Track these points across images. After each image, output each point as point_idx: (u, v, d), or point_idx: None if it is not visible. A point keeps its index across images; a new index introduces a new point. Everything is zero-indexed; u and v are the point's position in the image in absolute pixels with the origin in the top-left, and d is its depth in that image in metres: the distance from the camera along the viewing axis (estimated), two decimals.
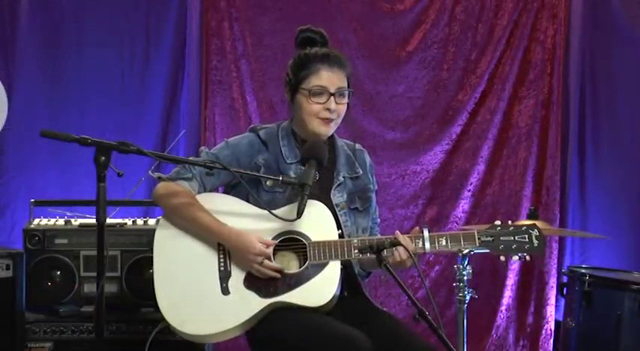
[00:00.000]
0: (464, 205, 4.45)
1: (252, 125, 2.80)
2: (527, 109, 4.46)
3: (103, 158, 2.22)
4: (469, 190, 4.46)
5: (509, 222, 2.62)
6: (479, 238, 2.57)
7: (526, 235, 2.58)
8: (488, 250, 2.61)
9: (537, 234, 2.57)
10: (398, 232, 2.55)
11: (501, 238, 2.58)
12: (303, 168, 2.62)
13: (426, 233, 2.55)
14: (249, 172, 2.57)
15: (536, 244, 2.56)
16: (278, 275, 2.52)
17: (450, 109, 4.47)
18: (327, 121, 2.63)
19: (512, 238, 2.58)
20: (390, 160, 4.44)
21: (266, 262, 2.51)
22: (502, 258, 2.60)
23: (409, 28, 4.46)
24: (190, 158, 2.63)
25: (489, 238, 2.58)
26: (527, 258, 2.58)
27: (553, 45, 4.44)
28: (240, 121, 4.28)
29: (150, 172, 2.73)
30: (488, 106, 4.46)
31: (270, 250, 2.52)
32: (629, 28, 4.33)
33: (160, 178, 2.66)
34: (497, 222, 2.61)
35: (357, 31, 4.42)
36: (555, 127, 4.43)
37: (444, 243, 2.56)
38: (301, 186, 2.45)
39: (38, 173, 4.07)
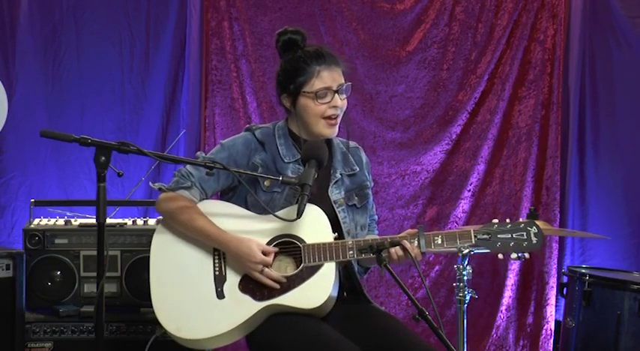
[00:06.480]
0: (464, 205, 4.45)
1: (247, 125, 2.80)
2: (527, 109, 4.46)
3: (103, 158, 2.22)
4: (469, 190, 4.46)
5: (508, 220, 2.56)
6: (475, 236, 2.53)
7: (524, 233, 2.52)
8: (485, 249, 2.57)
9: (536, 231, 2.51)
10: (405, 241, 2.51)
11: (499, 235, 2.53)
12: (301, 167, 2.64)
13: (421, 233, 2.53)
14: (248, 172, 2.58)
15: (534, 242, 2.51)
16: (277, 286, 2.51)
17: (450, 109, 4.47)
18: (333, 121, 2.64)
19: (509, 235, 2.53)
20: (390, 160, 4.44)
21: (266, 270, 2.51)
22: (500, 256, 2.56)
23: (409, 28, 4.46)
24: (190, 158, 2.63)
25: (486, 236, 2.53)
26: (527, 256, 2.53)
27: (553, 45, 4.44)
28: (240, 121, 4.28)
29: (150, 184, 2.74)
30: (488, 106, 4.46)
31: (271, 258, 2.52)
32: (629, 28, 4.34)
33: (160, 190, 2.68)
34: (495, 220, 2.57)
35: (357, 31, 4.42)
36: (555, 127, 4.43)
37: (439, 242, 2.53)
38: (301, 186, 2.46)
39: (38, 173, 4.07)
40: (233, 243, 2.54)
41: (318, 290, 2.50)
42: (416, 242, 2.52)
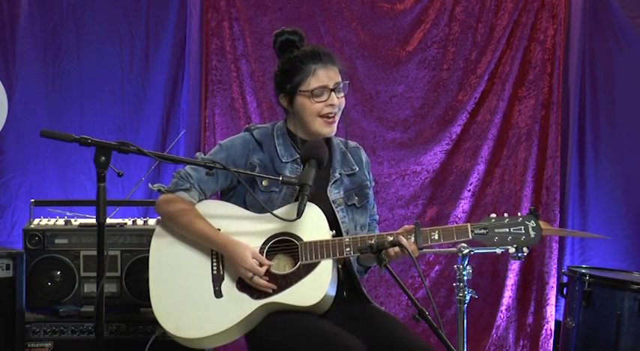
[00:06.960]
0: (464, 205, 4.45)
1: (247, 126, 2.81)
2: (527, 109, 4.46)
3: (103, 158, 2.22)
4: (469, 190, 4.46)
5: (505, 214, 2.53)
6: (472, 231, 2.50)
7: (522, 227, 2.49)
8: (483, 245, 2.52)
9: (534, 225, 2.48)
10: (401, 237, 2.50)
11: (496, 229, 2.50)
12: (299, 167, 2.64)
13: (418, 229, 2.51)
14: (248, 172, 2.58)
15: (532, 235, 2.47)
16: (269, 291, 2.52)
17: (450, 109, 4.47)
18: (330, 119, 2.64)
19: (507, 229, 2.49)
20: (390, 160, 4.44)
21: (256, 278, 2.51)
22: (498, 251, 2.54)
23: (409, 28, 4.46)
24: (190, 158, 2.64)
25: (483, 231, 2.50)
26: (526, 251, 2.49)
27: (553, 45, 4.44)
28: (240, 121, 4.28)
29: (150, 185, 2.75)
30: (488, 106, 4.46)
31: (263, 270, 2.52)
32: (629, 28, 4.34)
33: (159, 191, 2.68)
34: (493, 215, 2.54)
35: (357, 31, 4.42)
36: (555, 127, 4.43)
37: (436, 237, 2.51)
38: (301, 186, 2.46)
39: (38, 173, 4.07)
40: (230, 245, 2.55)
41: (314, 288, 2.50)
42: (412, 238, 2.52)
